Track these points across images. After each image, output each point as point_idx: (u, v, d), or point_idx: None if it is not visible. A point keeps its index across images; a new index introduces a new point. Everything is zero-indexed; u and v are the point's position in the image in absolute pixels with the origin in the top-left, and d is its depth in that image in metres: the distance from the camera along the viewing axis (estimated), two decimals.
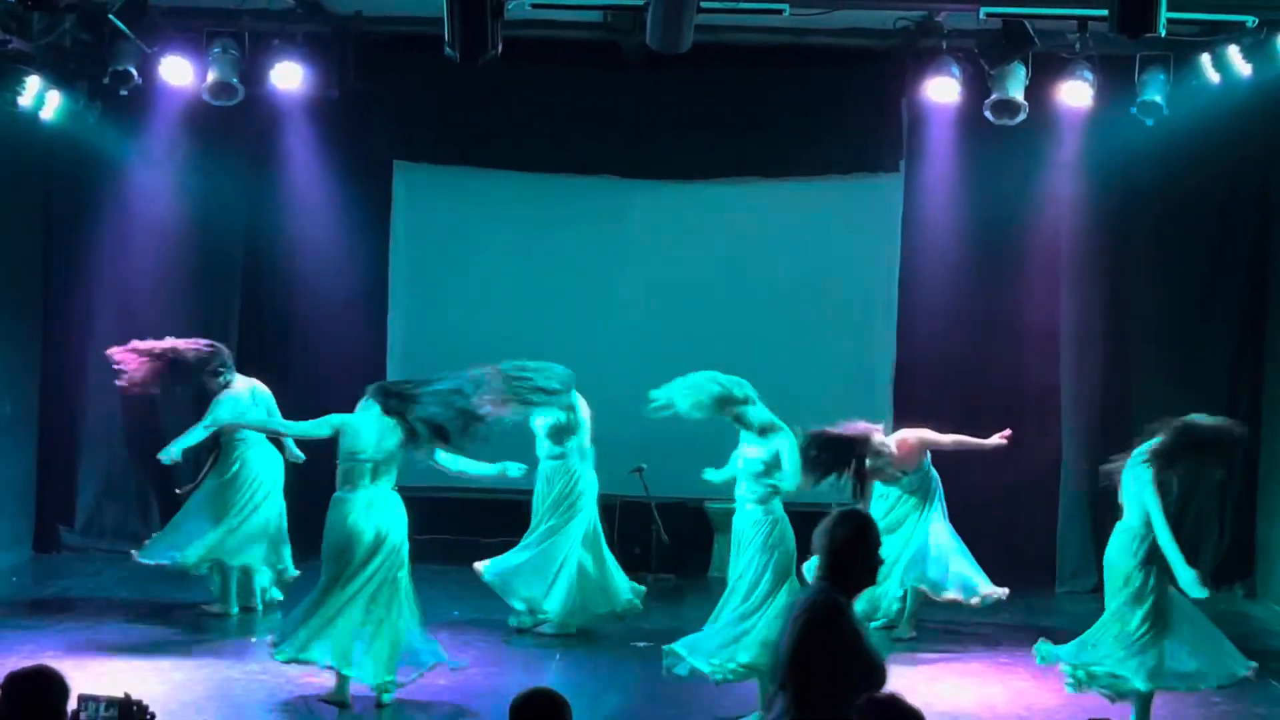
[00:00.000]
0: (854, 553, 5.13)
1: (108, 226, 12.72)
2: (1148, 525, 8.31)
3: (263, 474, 10.70)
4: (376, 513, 8.66)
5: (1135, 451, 8.49)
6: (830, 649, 4.97)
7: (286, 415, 10.45)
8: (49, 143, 12.30)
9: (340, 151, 12.68)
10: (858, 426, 9.34)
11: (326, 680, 8.71)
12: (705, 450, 9.32)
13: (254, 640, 10.04)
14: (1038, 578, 12.00)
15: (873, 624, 10.39)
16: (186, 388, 12.25)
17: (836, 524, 5.21)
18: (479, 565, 10.48)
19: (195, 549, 10.49)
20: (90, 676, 8.00)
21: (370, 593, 8.58)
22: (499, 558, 10.51)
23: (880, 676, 5.10)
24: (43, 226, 12.78)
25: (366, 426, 8.69)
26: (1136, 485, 8.40)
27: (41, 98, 11.14)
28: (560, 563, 10.32)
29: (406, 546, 8.75)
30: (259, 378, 10.90)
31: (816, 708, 4.92)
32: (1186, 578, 8.26)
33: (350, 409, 8.87)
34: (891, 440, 10.12)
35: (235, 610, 10.72)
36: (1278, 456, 12.00)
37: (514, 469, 9.72)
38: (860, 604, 10.15)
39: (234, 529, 10.58)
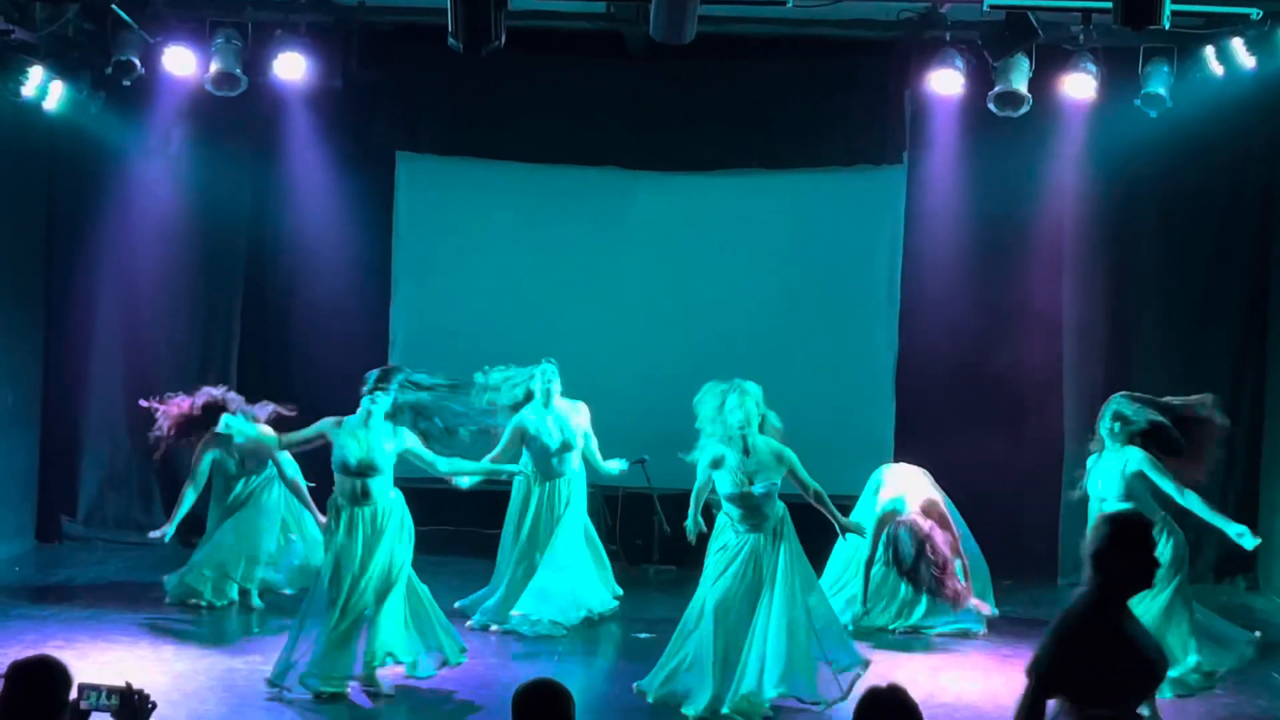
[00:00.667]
0: (1112, 555, 4.99)
1: (110, 217, 12.71)
2: None
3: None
4: None
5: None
6: (1077, 654, 4.91)
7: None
8: (52, 133, 12.29)
9: (343, 142, 12.68)
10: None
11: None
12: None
13: (256, 631, 10.09)
14: (1040, 569, 12.00)
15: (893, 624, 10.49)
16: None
17: (1096, 527, 5.10)
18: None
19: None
20: (92, 666, 8.06)
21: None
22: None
23: (1145, 677, 5.05)
24: (45, 217, 12.76)
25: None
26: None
27: (44, 88, 11.13)
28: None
29: None
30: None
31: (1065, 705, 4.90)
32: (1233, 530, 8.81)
33: (351, 402, 8.85)
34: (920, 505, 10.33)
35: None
36: None
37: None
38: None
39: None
